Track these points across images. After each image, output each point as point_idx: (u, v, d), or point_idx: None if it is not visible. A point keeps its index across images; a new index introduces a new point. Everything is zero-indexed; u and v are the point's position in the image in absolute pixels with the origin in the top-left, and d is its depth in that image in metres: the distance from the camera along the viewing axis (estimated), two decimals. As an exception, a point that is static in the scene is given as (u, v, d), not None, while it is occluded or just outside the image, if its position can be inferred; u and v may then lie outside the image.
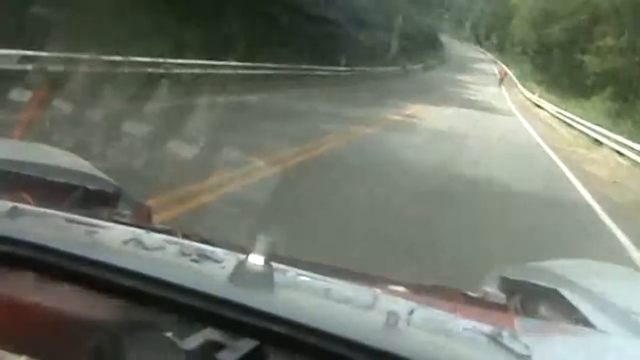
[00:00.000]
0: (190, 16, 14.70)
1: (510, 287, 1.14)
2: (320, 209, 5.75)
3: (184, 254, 0.82)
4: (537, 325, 0.93)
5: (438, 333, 0.72)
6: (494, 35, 75.54)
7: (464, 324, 0.75)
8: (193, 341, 0.71)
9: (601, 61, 29.27)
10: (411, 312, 0.75)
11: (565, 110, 25.74)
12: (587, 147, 17.30)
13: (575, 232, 6.89)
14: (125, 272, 0.75)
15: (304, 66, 21.45)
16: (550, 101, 30.68)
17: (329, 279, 0.84)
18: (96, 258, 0.77)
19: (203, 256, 0.82)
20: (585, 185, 10.50)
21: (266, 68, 18.17)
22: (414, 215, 6.09)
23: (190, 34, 14.40)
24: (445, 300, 1.02)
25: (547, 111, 28.78)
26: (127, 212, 1.29)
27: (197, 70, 13.80)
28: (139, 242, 0.84)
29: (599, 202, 8.89)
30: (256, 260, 0.75)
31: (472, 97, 32.33)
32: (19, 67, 8.42)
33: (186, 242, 0.91)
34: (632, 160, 14.25)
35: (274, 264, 0.78)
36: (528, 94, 37.99)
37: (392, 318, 0.71)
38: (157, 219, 1.75)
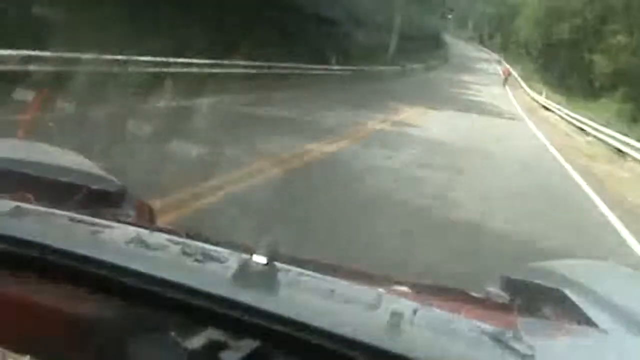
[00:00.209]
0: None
1: (514, 287, 1.14)
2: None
3: (187, 254, 0.82)
4: (541, 326, 0.93)
5: (441, 333, 0.72)
6: (498, 35, 75.38)
7: (468, 324, 0.75)
8: (196, 341, 0.70)
9: (611, 61, 28.32)
10: (414, 312, 0.75)
11: (575, 112, 24.10)
12: (610, 161, 14.68)
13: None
14: (128, 272, 0.76)
15: (292, 64, 19.66)
16: (557, 102, 29.00)
17: (332, 278, 0.84)
18: (99, 258, 0.77)
19: (206, 256, 0.82)
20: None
21: (249, 67, 16.22)
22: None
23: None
24: (449, 301, 1.02)
25: (556, 114, 27.16)
26: (130, 211, 1.30)
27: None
28: (142, 242, 0.84)
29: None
30: (259, 260, 0.75)
31: (475, 99, 30.14)
32: (20, 67, 8.44)
33: (190, 242, 0.91)
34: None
35: (277, 264, 0.78)
36: (534, 95, 36.40)
37: (395, 318, 0.71)
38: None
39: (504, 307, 1.05)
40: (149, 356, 0.75)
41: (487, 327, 0.74)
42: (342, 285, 0.81)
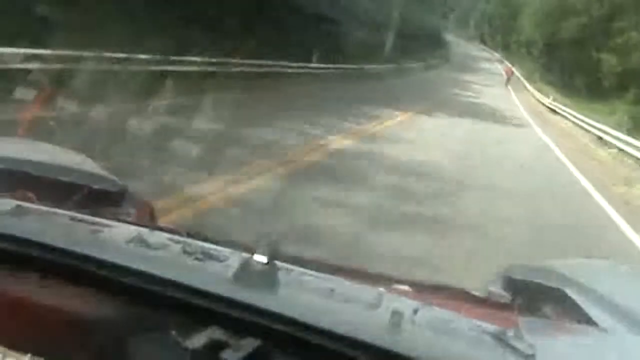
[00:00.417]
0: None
1: (515, 286, 1.14)
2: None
3: (188, 253, 0.82)
4: (542, 325, 0.93)
5: (442, 332, 0.72)
6: (500, 34, 75.22)
7: (469, 324, 0.75)
8: (197, 340, 0.70)
9: (620, 60, 26.90)
10: (415, 312, 0.75)
11: (584, 114, 21.96)
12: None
13: None
14: (129, 271, 0.76)
15: (264, 62, 16.95)
16: (564, 104, 26.83)
17: (333, 278, 0.84)
18: (100, 257, 0.77)
19: (207, 255, 0.82)
20: None
21: (205, 64, 13.67)
22: None
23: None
24: (450, 300, 1.02)
25: (566, 118, 24.49)
26: (131, 211, 1.30)
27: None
28: (143, 241, 0.84)
29: None
30: (260, 259, 0.75)
31: (476, 101, 27.38)
32: (22, 65, 8.45)
33: (190, 241, 0.91)
34: None
35: (278, 263, 0.78)
36: (539, 96, 34.21)
37: (396, 317, 0.71)
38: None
39: (505, 307, 1.05)
40: (149, 355, 0.75)
41: (488, 326, 0.74)
42: (342, 285, 0.81)
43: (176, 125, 7.68)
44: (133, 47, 10.86)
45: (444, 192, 7.54)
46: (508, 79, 44.42)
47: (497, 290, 1.14)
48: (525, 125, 21.56)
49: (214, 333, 0.71)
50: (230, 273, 0.75)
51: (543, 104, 30.84)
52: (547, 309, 1.02)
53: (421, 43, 47.91)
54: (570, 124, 23.17)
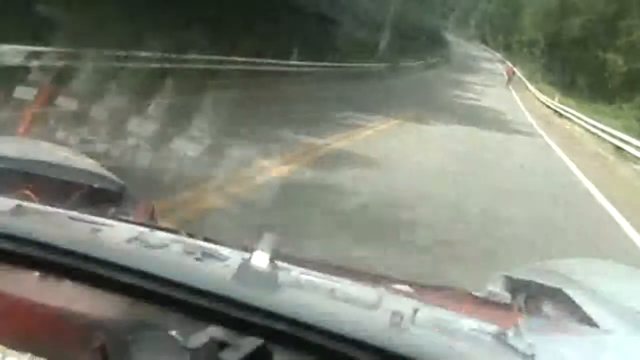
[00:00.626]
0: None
1: (515, 286, 1.14)
2: None
3: (188, 253, 0.82)
4: (542, 325, 0.93)
5: (442, 332, 0.72)
6: (501, 34, 75.13)
7: (469, 324, 0.75)
8: (197, 339, 0.71)
9: (628, 60, 25.78)
10: (415, 312, 0.75)
11: (592, 118, 20.13)
12: None
13: None
14: (129, 271, 0.76)
15: (242, 59, 15.49)
16: (570, 106, 25.23)
17: (333, 278, 0.84)
18: (100, 256, 0.77)
19: (207, 255, 0.82)
20: None
21: (189, 61, 12.86)
22: None
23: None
24: (450, 300, 1.02)
25: (575, 123, 22.12)
26: (131, 210, 1.30)
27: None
28: (143, 241, 0.84)
29: None
30: (260, 258, 0.75)
31: (477, 103, 25.27)
32: (24, 63, 8.45)
33: (190, 240, 0.91)
34: None
35: (278, 263, 0.78)
36: (543, 97, 32.12)
37: (396, 317, 0.71)
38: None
39: (505, 307, 1.05)
40: (150, 355, 0.75)
41: (488, 326, 0.74)
42: (343, 285, 0.81)
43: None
44: (133, 45, 10.83)
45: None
46: (509, 79, 43.58)
47: (497, 290, 1.14)
48: (535, 133, 18.56)
49: (214, 332, 0.71)
50: (230, 273, 0.75)
51: (547, 106, 28.94)
52: (547, 309, 1.02)
53: (420, 42, 47.28)
54: (581, 130, 20.57)
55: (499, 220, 6.49)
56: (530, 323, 0.87)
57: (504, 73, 48.36)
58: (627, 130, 17.27)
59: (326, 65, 22.41)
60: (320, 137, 9.38)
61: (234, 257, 0.81)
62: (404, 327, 0.71)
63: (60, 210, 0.96)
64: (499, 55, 73.15)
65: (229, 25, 15.33)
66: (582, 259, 1.94)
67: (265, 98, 12.87)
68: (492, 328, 0.74)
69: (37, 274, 0.83)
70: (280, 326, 0.70)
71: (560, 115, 25.11)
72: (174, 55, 12.53)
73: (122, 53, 10.64)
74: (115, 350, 0.75)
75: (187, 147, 4.78)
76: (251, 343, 0.71)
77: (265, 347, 0.71)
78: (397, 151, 10.22)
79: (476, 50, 78.97)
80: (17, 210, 0.88)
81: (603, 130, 17.92)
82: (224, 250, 0.86)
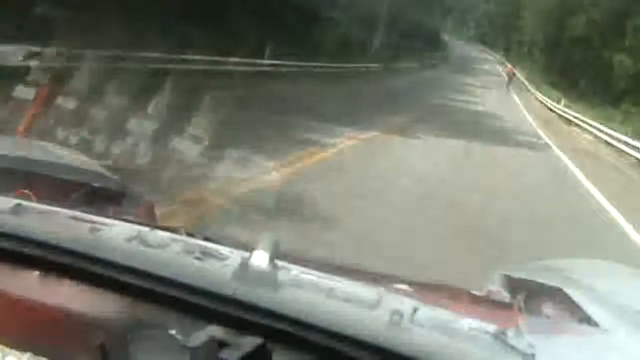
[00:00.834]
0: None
1: (515, 285, 1.14)
2: None
3: (188, 252, 0.82)
4: (542, 324, 0.93)
5: (442, 332, 0.72)
6: (500, 35, 75.04)
7: (469, 323, 0.75)
8: (197, 339, 0.71)
9: (636, 61, 24.35)
10: (415, 311, 0.75)
11: (601, 124, 18.09)
12: None
13: None
14: (129, 270, 0.76)
15: (198, 57, 13.35)
16: (575, 110, 23.08)
17: (333, 277, 0.84)
18: (100, 256, 0.77)
19: (207, 254, 0.82)
20: None
21: (146, 60, 10.87)
22: None
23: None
24: (450, 299, 1.02)
25: (586, 131, 19.43)
26: (131, 209, 1.30)
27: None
28: (143, 240, 0.84)
29: None
30: (260, 258, 0.75)
31: (475, 108, 22.98)
32: (23, 63, 8.45)
33: (190, 240, 0.91)
34: None
35: (278, 262, 0.78)
36: (545, 100, 30.23)
37: (396, 316, 0.71)
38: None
39: (505, 306, 1.05)
40: (150, 354, 0.75)
41: (488, 325, 0.74)
42: (343, 284, 0.81)
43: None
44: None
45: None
46: (509, 80, 42.48)
47: (497, 289, 1.14)
48: (543, 147, 15.53)
49: (214, 331, 0.71)
50: (230, 272, 0.75)
51: (551, 110, 26.67)
52: (547, 309, 1.02)
53: (417, 43, 46.48)
54: (592, 139, 18.05)
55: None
56: (530, 322, 0.87)
57: (504, 74, 47.44)
58: (639, 135, 15.52)
59: (306, 65, 19.78)
60: (245, 169, 5.88)
61: (234, 256, 0.81)
62: (404, 326, 0.71)
63: (60, 210, 0.96)
64: (497, 57, 73.06)
65: (183, 19, 13.26)
66: (582, 259, 1.94)
67: (213, 105, 9.25)
68: (492, 327, 0.74)
69: (37, 273, 0.83)
70: (280, 325, 0.70)
71: (568, 121, 22.53)
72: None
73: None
74: (115, 349, 0.75)
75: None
76: (251, 342, 0.71)
77: (265, 346, 0.71)
78: (339, 198, 6.19)
79: (475, 51, 78.90)
80: (17, 210, 0.88)
81: (619, 140, 15.73)
82: (224, 250, 0.86)
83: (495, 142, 13.82)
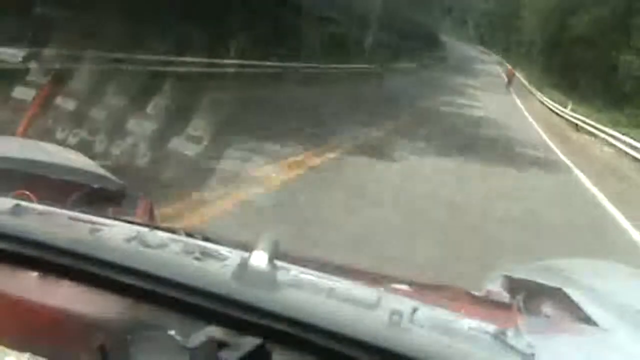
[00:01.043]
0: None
1: (514, 286, 1.14)
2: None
3: (187, 252, 0.82)
4: (541, 324, 0.93)
5: (442, 332, 0.72)
6: (500, 34, 74.89)
7: (468, 323, 0.75)
8: (196, 339, 0.71)
9: None
10: (415, 311, 0.75)
11: (618, 131, 16.25)
12: None
13: None
14: (128, 270, 0.76)
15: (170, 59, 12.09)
16: (581, 114, 21.37)
17: (332, 277, 0.84)
18: (99, 256, 0.77)
19: (206, 254, 0.82)
20: None
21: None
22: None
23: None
24: (449, 299, 1.02)
25: (598, 137, 17.39)
26: (130, 210, 1.30)
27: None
28: (142, 240, 0.84)
29: None
30: (259, 258, 0.75)
31: (474, 113, 20.37)
32: (22, 65, 8.45)
33: (189, 240, 0.91)
34: None
35: (278, 262, 0.78)
36: (546, 101, 28.86)
37: (395, 317, 0.71)
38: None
39: (505, 306, 1.05)
40: (149, 354, 0.75)
41: (487, 325, 0.74)
42: (342, 284, 0.81)
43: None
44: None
45: None
46: (509, 81, 41.99)
47: (497, 289, 1.14)
48: (560, 168, 12.17)
49: (213, 332, 0.71)
50: (229, 272, 0.75)
51: (557, 114, 24.79)
52: (547, 309, 1.02)
53: (415, 43, 45.84)
54: (613, 153, 15.23)
55: None
56: (530, 323, 0.87)
57: (503, 75, 46.82)
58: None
59: (279, 65, 17.79)
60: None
61: (233, 256, 0.81)
62: (403, 326, 0.71)
63: (60, 210, 0.96)
64: (497, 57, 72.93)
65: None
66: (581, 259, 1.94)
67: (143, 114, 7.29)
68: (492, 327, 0.73)
69: (36, 274, 0.83)
70: (279, 326, 0.70)
71: (576, 126, 20.50)
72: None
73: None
74: (115, 349, 0.75)
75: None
76: (250, 342, 0.71)
77: (264, 347, 0.71)
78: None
79: (474, 51, 78.75)
80: (17, 210, 0.88)
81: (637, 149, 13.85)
82: (223, 250, 0.86)
83: (499, 161, 10.72)
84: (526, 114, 25.15)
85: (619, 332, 0.90)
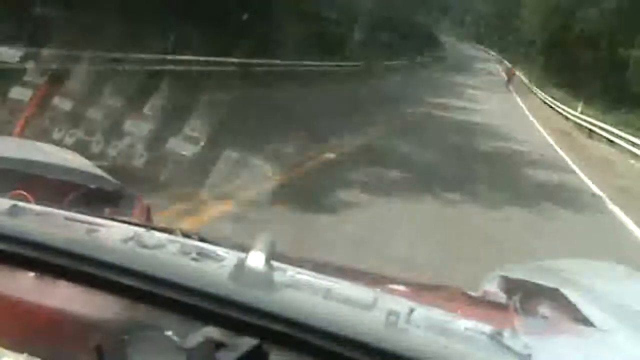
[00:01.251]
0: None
1: (511, 286, 1.14)
2: None
3: (184, 253, 0.82)
4: (538, 325, 0.93)
5: (438, 332, 0.72)
6: (499, 33, 74.74)
7: (465, 324, 0.75)
8: (193, 340, 0.71)
9: None
10: (411, 312, 0.75)
11: (624, 132, 15.06)
12: None
13: None
14: (125, 271, 0.75)
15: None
16: (590, 116, 19.93)
17: (329, 277, 0.84)
18: (96, 256, 0.77)
19: (203, 255, 0.82)
20: None
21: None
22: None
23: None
24: (446, 300, 1.02)
25: (617, 145, 15.68)
26: (128, 210, 1.30)
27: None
28: (139, 241, 0.84)
29: None
30: (256, 258, 0.75)
31: (472, 118, 17.97)
32: (19, 65, 8.44)
33: (186, 241, 0.91)
34: None
35: (274, 263, 0.78)
36: (551, 102, 27.47)
37: (392, 317, 0.71)
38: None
39: (502, 306, 1.05)
40: (146, 355, 0.75)
41: (484, 326, 0.74)
42: (339, 284, 0.81)
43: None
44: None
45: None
46: (509, 80, 41.55)
47: (494, 290, 1.14)
48: (590, 203, 8.88)
49: (211, 332, 0.71)
50: (226, 273, 0.75)
51: (565, 117, 23.17)
52: (544, 309, 1.02)
53: (411, 41, 45.29)
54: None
55: None
56: (526, 323, 0.87)
57: (503, 74, 46.40)
58: None
59: (245, 63, 16.02)
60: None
61: (230, 257, 0.81)
62: (400, 327, 0.71)
63: (56, 211, 0.96)
64: (496, 55, 72.84)
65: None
66: (579, 259, 1.94)
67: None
68: (488, 328, 0.73)
69: (32, 274, 0.82)
70: (276, 326, 0.70)
71: (590, 131, 18.57)
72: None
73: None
74: (112, 350, 0.75)
75: None
76: (247, 343, 0.71)
77: (261, 347, 0.71)
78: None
79: (472, 50, 78.73)
80: (13, 211, 0.88)
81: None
82: (220, 251, 0.86)
83: (505, 196, 7.82)
84: (532, 117, 23.26)
85: (616, 333, 0.90)
